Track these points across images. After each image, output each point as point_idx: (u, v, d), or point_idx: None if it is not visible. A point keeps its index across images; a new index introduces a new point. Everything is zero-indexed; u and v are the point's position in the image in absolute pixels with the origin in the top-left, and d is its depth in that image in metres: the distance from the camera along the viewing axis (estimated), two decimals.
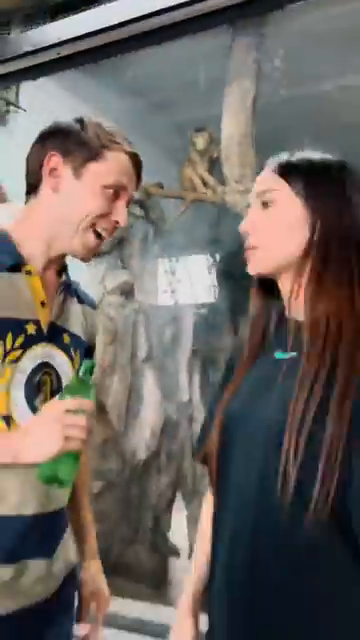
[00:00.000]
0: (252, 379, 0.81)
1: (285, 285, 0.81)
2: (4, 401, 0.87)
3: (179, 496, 2.84)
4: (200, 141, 3.02)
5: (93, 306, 1.11)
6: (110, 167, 0.94)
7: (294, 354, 0.76)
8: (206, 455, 0.83)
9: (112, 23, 1.73)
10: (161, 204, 3.20)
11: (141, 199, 3.01)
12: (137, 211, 3.01)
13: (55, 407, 0.83)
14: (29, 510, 0.88)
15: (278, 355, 0.79)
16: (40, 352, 0.92)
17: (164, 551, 2.78)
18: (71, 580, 0.98)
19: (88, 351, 1.05)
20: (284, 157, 0.80)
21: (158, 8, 1.71)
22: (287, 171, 0.78)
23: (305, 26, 2.33)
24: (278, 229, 0.78)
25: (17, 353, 0.88)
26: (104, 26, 1.74)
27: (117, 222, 0.96)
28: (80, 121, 0.96)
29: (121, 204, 0.96)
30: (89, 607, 1.03)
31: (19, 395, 0.89)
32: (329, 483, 0.66)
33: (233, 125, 2.62)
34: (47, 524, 0.91)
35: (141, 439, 2.75)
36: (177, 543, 2.82)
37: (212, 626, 0.80)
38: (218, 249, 2.91)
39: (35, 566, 0.89)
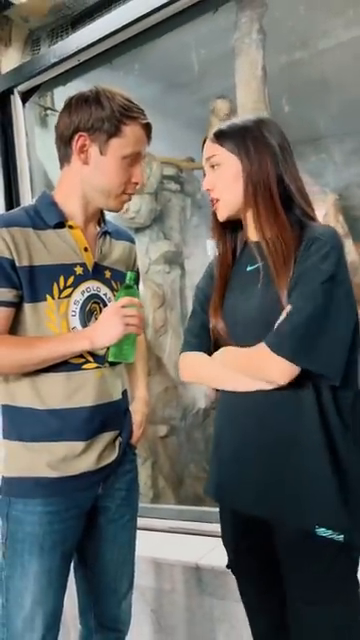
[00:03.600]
0: (234, 286, 1.12)
1: (244, 219, 1.10)
2: (65, 327, 1.15)
3: None
4: (223, 106, 3.22)
5: (130, 240, 1.36)
6: (128, 140, 1.13)
7: (258, 265, 1.06)
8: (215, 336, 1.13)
9: (121, 25, 1.98)
10: (196, 177, 3.46)
11: (175, 174, 3.29)
12: (173, 186, 3.29)
13: (113, 305, 1.12)
14: (89, 402, 1.16)
15: (248, 268, 1.09)
16: (88, 286, 1.18)
17: None
18: (132, 448, 1.28)
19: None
20: (217, 128, 1.08)
21: (161, 3, 1.94)
22: (221, 138, 1.07)
23: None
24: (226, 183, 1.07)
25: (69, 290, 1.15)
26: (114, 29, 1.99)
27: (136, 183, 1.18)
28: (97, 98, 1.12)
29: (138, 167, 1.17)
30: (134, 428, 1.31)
31: (75, 320, 1.16)
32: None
33: (246, 93, 2.82)
34: (108, 410, 1.19)
35: (199, 389, 3.07)
36: None
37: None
38: None
39: (101, 440, 1.18)
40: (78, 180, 1.17)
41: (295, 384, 0.98)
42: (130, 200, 1.22)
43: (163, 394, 2.89)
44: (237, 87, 2.80)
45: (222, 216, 1.10)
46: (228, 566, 1.18)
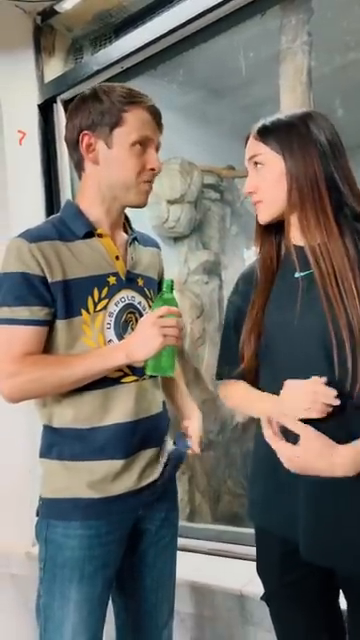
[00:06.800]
0: (276, 295, 1.03)
1: (287, 223, 1.02)
2: (101, 341, 1.09)
3: None
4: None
5: (156, 246, 1.31)
6: (132, 126, 1.07)
7: (305, 273, 0.98)
8: (245, 355, 1.04)
9: (165, 31, 1.95)
10: (236, 186, 3.40)
11: (215, 183, 3.23)
12: (213, 195, 3.24)
13: (149, 316, 1.03)
14: (128, 418, 1.10)
15: (297, 274, 1.00)
16: (122, 296, 1.13)
17: None
18: (173, 462, 1.21)
19: (160, 283, 1.27)
20: (260, 123, 1.01)
21: (204, 8, 1.90)
22: (264, 135, 0.99)
23: None
24: (270, 184, 0.99)
25: (104, 302, 1.10)
26: (158, 35, 1.96)
27: (152, 169, 1.11)
28: (95, 95, 1.09)
29: (150, 152, 1.10)
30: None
31: (110, 333, 1.11)
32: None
33: (291, 100, 2.75)
34: (148, 425, 1.14)
35: None
36: None
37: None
38: None
39: (142, 457, 1.12)
40: (95, 184, 1.13)
41: None
42: (151, 190, 1.15)
43: (201, 407, 2.81)
44: (281, 93, 2.73)
45: (263, 219, 1.03)
46: (266, 599, 1.09)
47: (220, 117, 2.92)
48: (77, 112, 1.11)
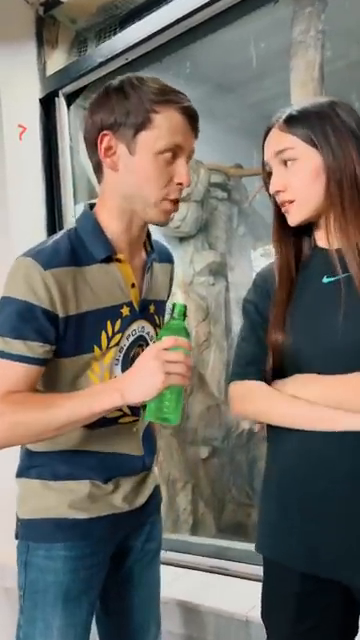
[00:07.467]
0: (306, 300, 0.92)
1: (318, 223, 0.92)
2: (107, 378, 0.96)
3: None
4: None
5: (170, 260, 1.16)
6: (161, 130, 0.89)
7: (340, 277, 0.88)
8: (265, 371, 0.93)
9: (170, 22, 1.87)
10: (244, 185, 3.31)
11: (223, 182, 3.15)
12: (220, 194, 3.15)
13: (153, 347, 0.85)
14: (118, 450, 1.01)
15: (325, 280, 0.90)
16: (134, 328, 0.99)
17: None
18: (158, 487, 1.14)
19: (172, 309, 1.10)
20: (287, 113, 0.90)
21: None
22: (293, 125, 0.88)
23: None
24: (306, 181, 0.89)
25: (118, 337, 0.96)
26: (162, 26, 1.88)
27: (180, 184, 0.93)
28: (120, 88, 0.92)
29: (180, 164, 0.92)
30: None
31: (117, 369, 0.98)
32: None
33: (302, 95, 2.65)
34: (137, 460, 1.05)
35: None
36: None
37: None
38: None
39: (129, 479, 1.05)
40: (115, 194, 0.96)
41: None
42: (175, 210, 0.97)
43: (205, 413, 2.73)
44: (292, 89, 2.64)
45: (296, 220, 0.92)
46: None
47: (228, 113, 2.83)
48: (99, 107, 0.93)
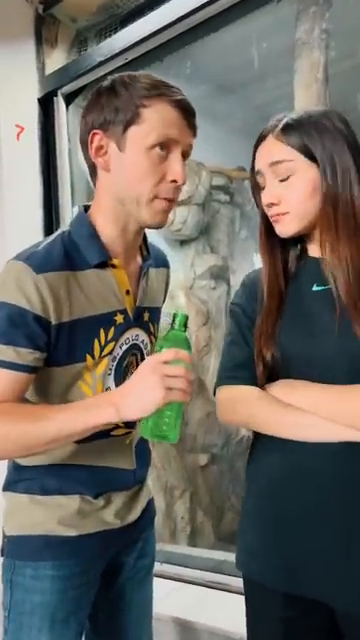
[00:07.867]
0: (294, 309, 0.90)
1: (310, 234, 0.90)
2: (99, 389, 0.93)
3: None
4: None
5: (166, 265, 1.13)
6: (151, 124, 0.85)
7: (328, 287, 0.86)
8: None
9: (171, 20, 1.83)
10: (246, 187, 3.27)
11: (225, 184, 3.10)
12: (222, 197, 3.11)
13: (151, 360, 0.80)
14: (109, 464, 0.98)
15: (314, 289, 0.88)
16: (128, 336, 0.96)
17: None
18: (152, 501, 1.10)
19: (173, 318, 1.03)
20: (283, 122, 0.86)
21: None
22: (291, 135, 0.84)
23: None
24: (303, 196, 0.86)
25: (111, 345, 0.92)
26: (163, 25, 1.84)
27: (174, 181, 0.88)
28: (111, 87, 0.88)
29: (174, 159, 0.88)
30: None
31: (110, 380, 0.94)
32: None
33: (305, 97, 2.61)
34: (129, 474, 1.01)
35: None
36: None
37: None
38: None
39: (121, 495, 1.01)
40: (108, 196, 0.92)
41: None
42: (170, 210, 0.92)
43: (205, 420, 2.68)
44: (295, 90, 2.60)
45: (287, 233, 0.88)
46: None
47: (230, 114, 2.79)
48: (90, 107, 0.90)
